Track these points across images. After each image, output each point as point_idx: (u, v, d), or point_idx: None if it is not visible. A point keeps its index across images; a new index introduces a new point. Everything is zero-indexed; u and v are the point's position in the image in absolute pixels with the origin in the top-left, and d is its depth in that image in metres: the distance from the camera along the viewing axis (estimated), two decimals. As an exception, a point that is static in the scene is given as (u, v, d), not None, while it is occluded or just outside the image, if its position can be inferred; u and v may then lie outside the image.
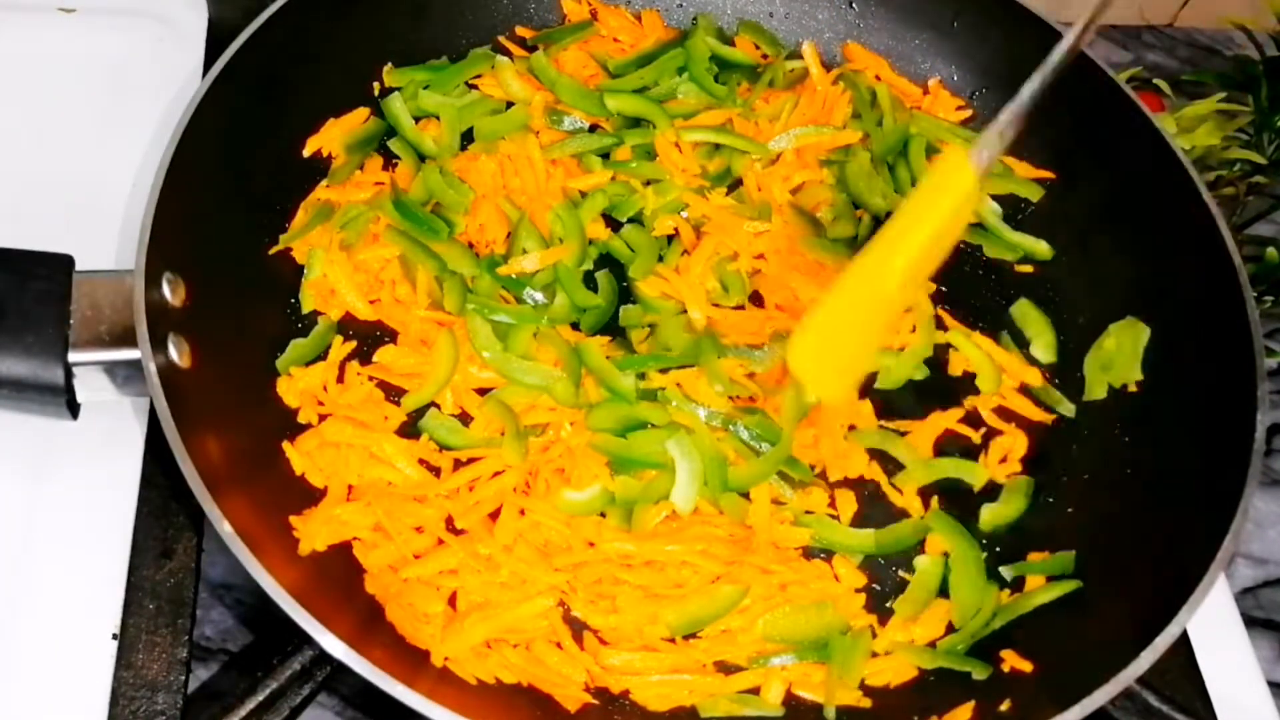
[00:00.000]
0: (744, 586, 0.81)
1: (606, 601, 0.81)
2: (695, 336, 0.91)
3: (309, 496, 0.82)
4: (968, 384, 0.95)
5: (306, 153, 0.96)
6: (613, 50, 1.07)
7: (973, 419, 0.93)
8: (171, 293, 0.80)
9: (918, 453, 0.90)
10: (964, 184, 0.75)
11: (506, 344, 0.89)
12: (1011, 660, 0.81)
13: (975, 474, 0.90)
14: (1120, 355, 0.93)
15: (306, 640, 0.69)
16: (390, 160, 0.99)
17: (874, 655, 0.81)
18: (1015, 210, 1.04)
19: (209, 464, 0.73)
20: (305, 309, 0.90)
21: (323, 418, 0.85)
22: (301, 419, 0.85)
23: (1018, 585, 0.86)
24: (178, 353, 0.78)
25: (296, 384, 0.86)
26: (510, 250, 0.94)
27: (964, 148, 0.76)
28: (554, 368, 0.88)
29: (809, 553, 0.85)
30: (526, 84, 1.03)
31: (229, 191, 0.89)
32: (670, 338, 0.91)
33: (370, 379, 0.88)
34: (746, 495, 0.86)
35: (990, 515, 0.88)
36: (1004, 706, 0.77)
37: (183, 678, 0.77)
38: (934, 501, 0.88)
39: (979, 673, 0.80)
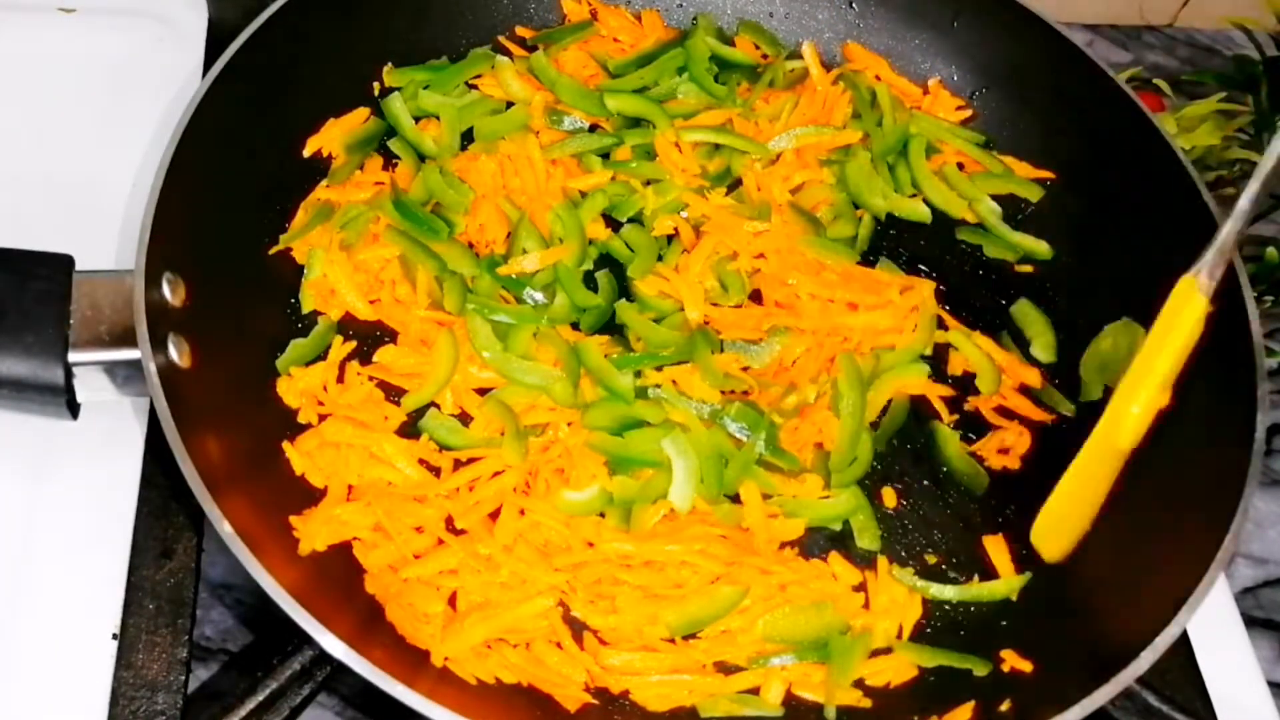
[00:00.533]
0: (743, 587, 0.81)
1: (606, 602, 0.81)
2: (688, 333, 0.91)
3: (309, 496, 0.82)
4: (968, 384, 0.95)
5: (306, 153, 0.96)
6: (613, 50, 1.07)
7: (973, 419, 0.93)
8: (171, 293, 0.80)
9: None
10: (1194, 314, 0.79)
11: (506, 344, 0.89)
12: (1011, 660, 0.81)
13: (976, 480, 0.91)
14: (1116, 356, 0.93)
15: (306, 640, 0.69)
16: (390, 160, 0.99)
17: (874, 654, 0.81)
18: (1015, 210, 1.04)
19: (209, 464, 0.73)
20: (305, 309, 0.90)
21: (323, 418, 0.85)
22: (301, 419, 0.85)
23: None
24: (178, 353, 0.78)
25: (296, 384, 0.86)
26: (510, 250, 0.94)
27: (1190, 281, 0.80)
28: (553, 368, 0.88)
29: (807, 552, 0.85)
30: (526, 84, 1.03)
31: (229, 191, 0.89)
32: (658, 336, 0.91)
33: (370, 379, 0.88)
34: (735, 498, 0.86)
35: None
36: (1004, 706, 0.77)
37: (183, 678, 0.77)
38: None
39: (979, 669, 0.80)
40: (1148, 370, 0.80)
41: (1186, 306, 0.80)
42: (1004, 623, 0.84)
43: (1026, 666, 0.80)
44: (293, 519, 0.80)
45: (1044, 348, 0.98)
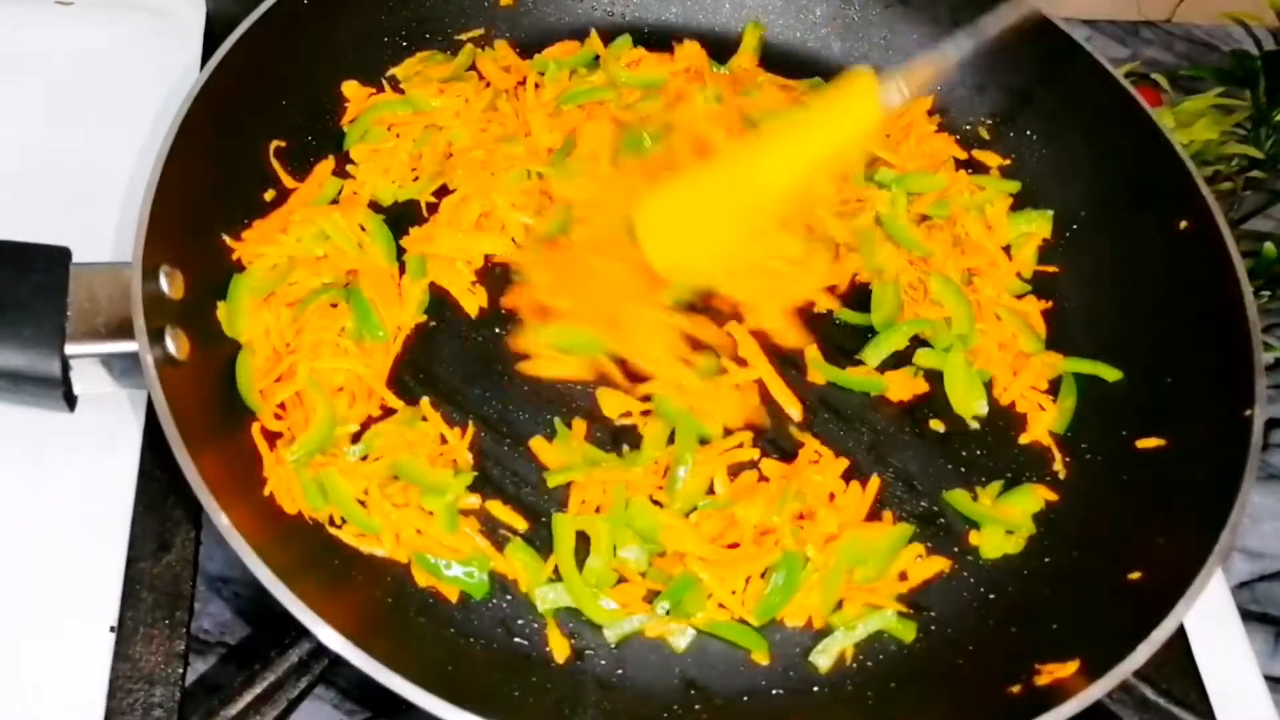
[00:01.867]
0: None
1: None
2: None
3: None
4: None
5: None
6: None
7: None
8: (169, 285, 0.80)
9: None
10: (867, 115, 0.83)
11: None
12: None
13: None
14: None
15: (304, 633, 0.69)
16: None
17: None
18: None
19: (207, 457, 0.73)
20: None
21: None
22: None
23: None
24: (175, 345, 0.78)
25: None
26: None
27: (871, 77, 0.83)
28: None
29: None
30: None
31: (226, 184, 0.89)
32: None
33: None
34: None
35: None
36: (1014, 689, 0.77)
37: (180, 670, 0.77)
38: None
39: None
40: (800, 139, 0.83)
41: (860, 104, 0.82)
42: (1004, 620, 0.84)
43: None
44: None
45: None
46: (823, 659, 0.81)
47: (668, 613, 0.81)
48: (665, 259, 0.85)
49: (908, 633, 0.82)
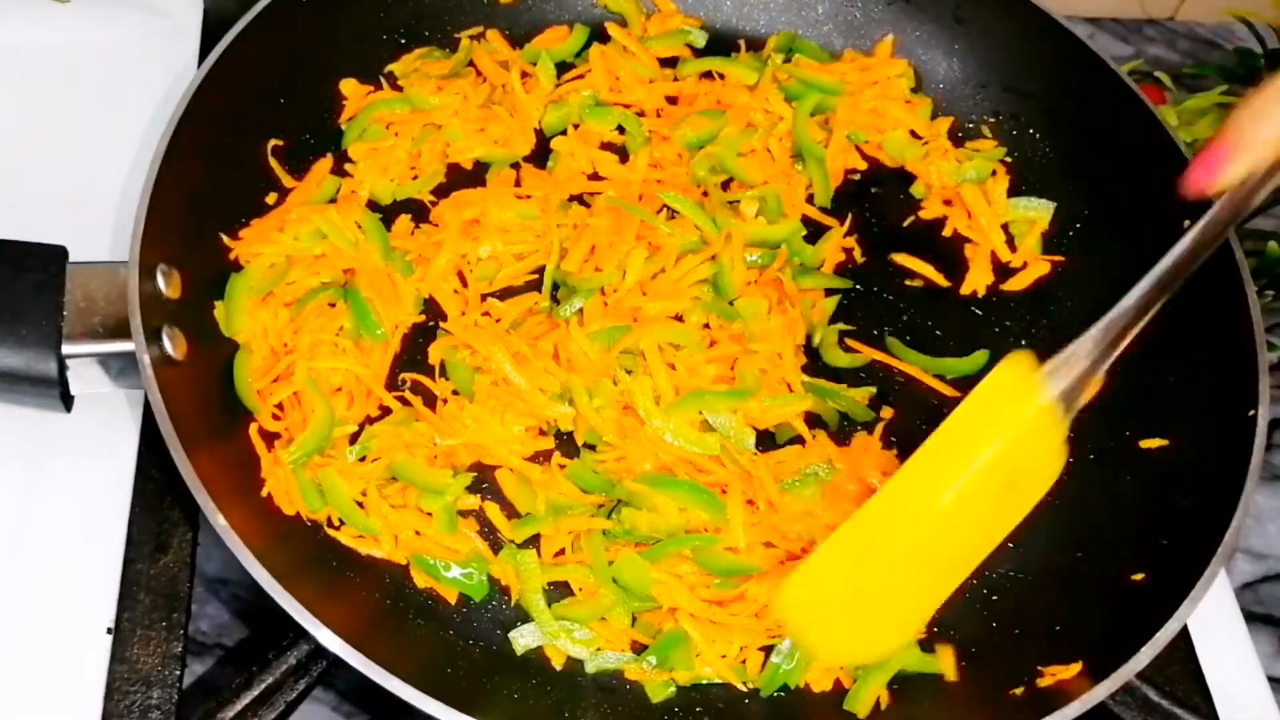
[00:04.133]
0: None
1: None
2: None
3: (305, 490, 0.82)
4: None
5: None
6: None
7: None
8: (166, 284, 0.80)
9: None
10: (1027, 407, 0.64)
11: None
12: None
13: None
14: None
15: (302, 635, 0.69)
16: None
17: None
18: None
19: (204, 457, 0.73)
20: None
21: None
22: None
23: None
24: (172, 344, 0.78)
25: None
26: None
27: (1024, 359, 0.65)
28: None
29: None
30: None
31: (223, 183, 0.88)
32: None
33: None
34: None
35: None
36: (1017, 691, 0.76)
37: (177, 672, 0.77)
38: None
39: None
40: (952, 448, 0.66)
41: (1015, 393, 0.65)
42: (1007, 622, 0.84)
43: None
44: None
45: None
46: (860, 707, 0.78)
47: (654, 666, 0.78)
48: (821, 639, 0.72)
49: (944, 667, 0.80)
